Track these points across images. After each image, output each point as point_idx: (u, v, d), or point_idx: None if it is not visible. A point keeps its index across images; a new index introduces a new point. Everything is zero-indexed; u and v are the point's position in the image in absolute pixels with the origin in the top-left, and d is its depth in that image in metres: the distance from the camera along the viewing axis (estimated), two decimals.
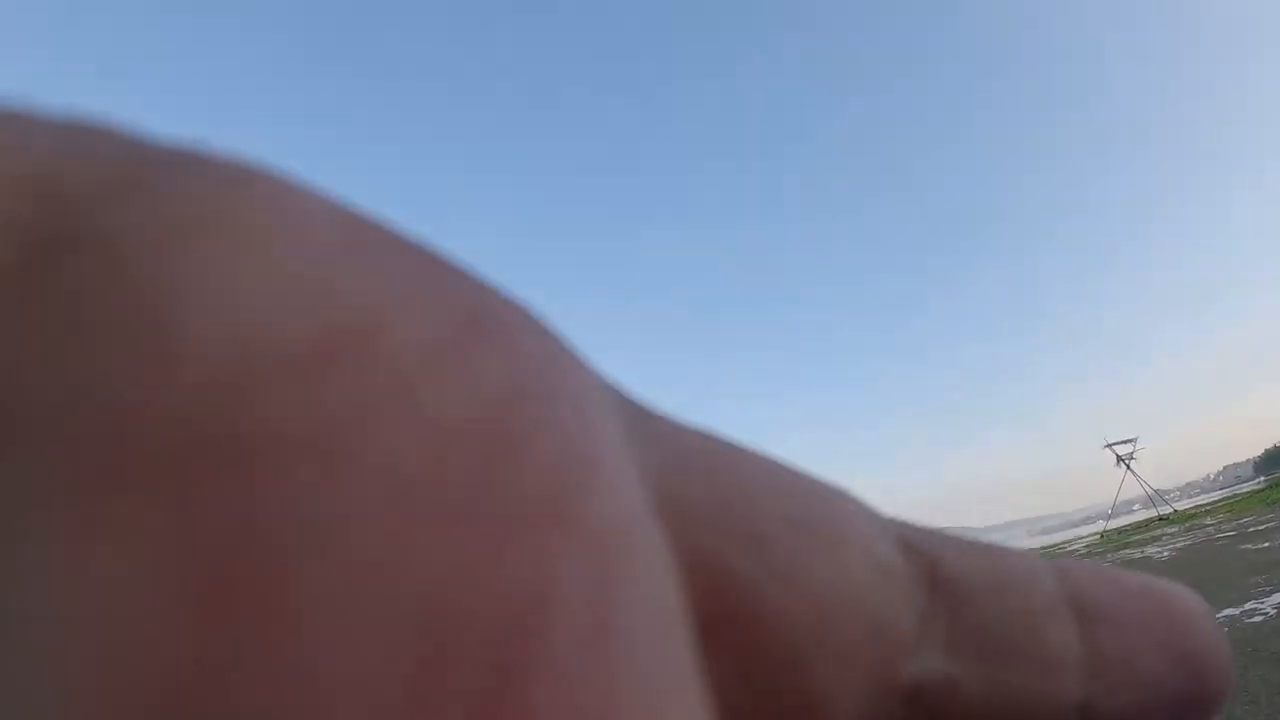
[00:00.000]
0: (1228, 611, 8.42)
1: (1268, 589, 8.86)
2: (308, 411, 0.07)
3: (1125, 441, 46.42)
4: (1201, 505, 43.54)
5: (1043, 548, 45.11)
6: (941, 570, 0.15)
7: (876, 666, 0.13)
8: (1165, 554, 18.19)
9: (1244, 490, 49.14)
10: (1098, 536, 39.31)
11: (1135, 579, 0.16)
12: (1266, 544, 13.37)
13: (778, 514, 0.13)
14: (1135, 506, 71.26)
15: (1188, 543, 19.51)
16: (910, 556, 0.14)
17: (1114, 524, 47.18)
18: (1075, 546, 36.22)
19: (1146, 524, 38.79)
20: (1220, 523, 23.21)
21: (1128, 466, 45.36)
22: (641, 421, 0.12)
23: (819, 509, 0.14)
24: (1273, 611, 7.66)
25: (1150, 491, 45.30)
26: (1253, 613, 7.94)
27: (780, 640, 0.12)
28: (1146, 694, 0.15)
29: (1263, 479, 66.70)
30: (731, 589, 0.12)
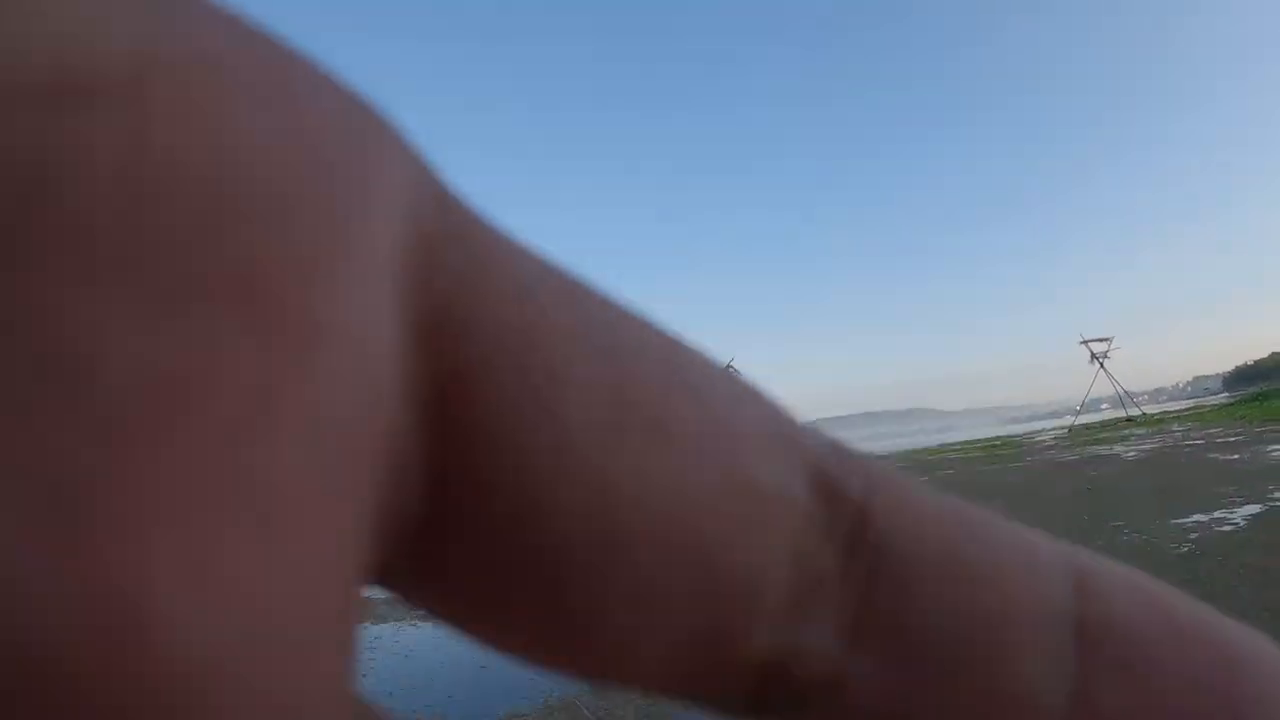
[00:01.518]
0: (1197, 517, 8.54)
1: (1239, 500, 9.00)
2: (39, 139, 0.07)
3: (1101, 340, 46.53)
4: (1170, 411, 44.62)
5: (1009, 437, 46.62)
6: (871, 526, 0.11)
7: (698, 616, 0.10)
8: (1133, 454, 18.57)
9: (1211, 402, 50.21)
10: (1065, 431, 40.21)
11: (1187, 607, 0.12)
12: (1235, 456, 13.59)
13: (591, 352, 0.10)
14: (1104, 406, 72.87)
15: (1156, 446, 19.90)
16: (825, 496, 0.11)
17: (1082, 420, 48.22)
18: (1043, 438, 37.07)
19: (1115, 423, 39.68)
20: (1188, 430, 23.65)
21: (1101, 365, 45.70)
22: (452, 222, 0.10)
23: (680, 375, 0.11)
24: (1243, 523, 7.77)
25: (1121, 392, 45.95)
26: (1223, 521, 8.05)
27: (538, 526, 0.10)
28: None
29: (1228, 394, 68.40)
30: (492, 428, 0.09)
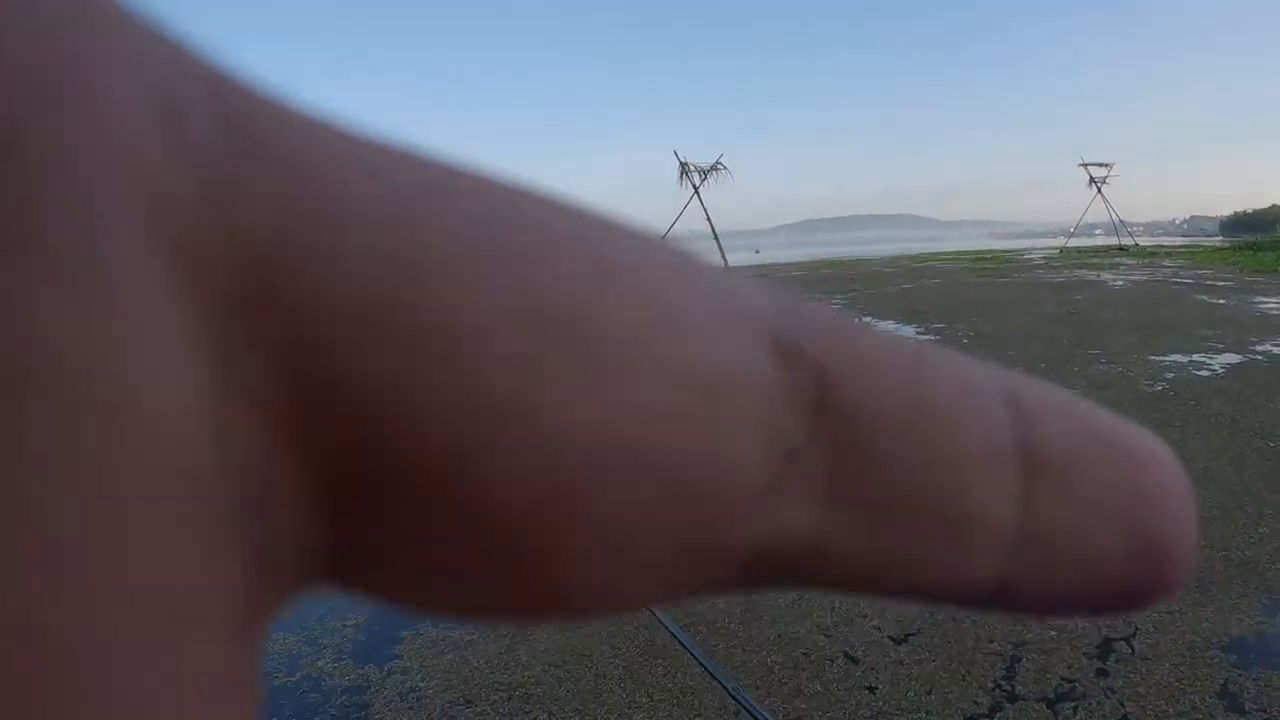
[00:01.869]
0: (1175, 357, 8.42)
1: (1219, 346, 8.85)
2: None
3: (1101, 165, 45.18)
4: (1163, 246, 44.29)
5: (999, 251, 46.38)
6: (832, 385, 0.11)
7: (676, 532, 0.09)
8: (1120, 282, 18.42)
9: (1206, 243, 49.90)
10: (1056, 251, 39.98)
11: (1107, 418, 0.13)
12: (1222, 301, 13.41)
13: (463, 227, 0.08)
14: (1097, 231, 72.36)
15: (1144, 277, 19.75)
16: (786, 363, 0.10)
17: (1074, 243, 47.85)
18: (1033, 256, 36.83)
19: (1106, 250, 39.49)
20: (1179, 267, 23.43)
21: (1099, 190, 44.80)
22: (246, 137, 0.08)
23: (596, 264, 0.09)
24: (1220, 370, 7.63)
25: (1116, 219, 45.34)
26: (1200, 365, 7.93)
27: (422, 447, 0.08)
28: (1084, 578, 0.12)
29: (1223, 238, 68.04)
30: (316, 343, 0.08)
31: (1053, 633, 3.20)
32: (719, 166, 35.74)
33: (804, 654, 3.18)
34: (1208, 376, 7.40)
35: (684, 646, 3.16)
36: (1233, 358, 8.21)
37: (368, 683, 3.35)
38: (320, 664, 3.53)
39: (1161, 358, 8.48)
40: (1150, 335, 10.00)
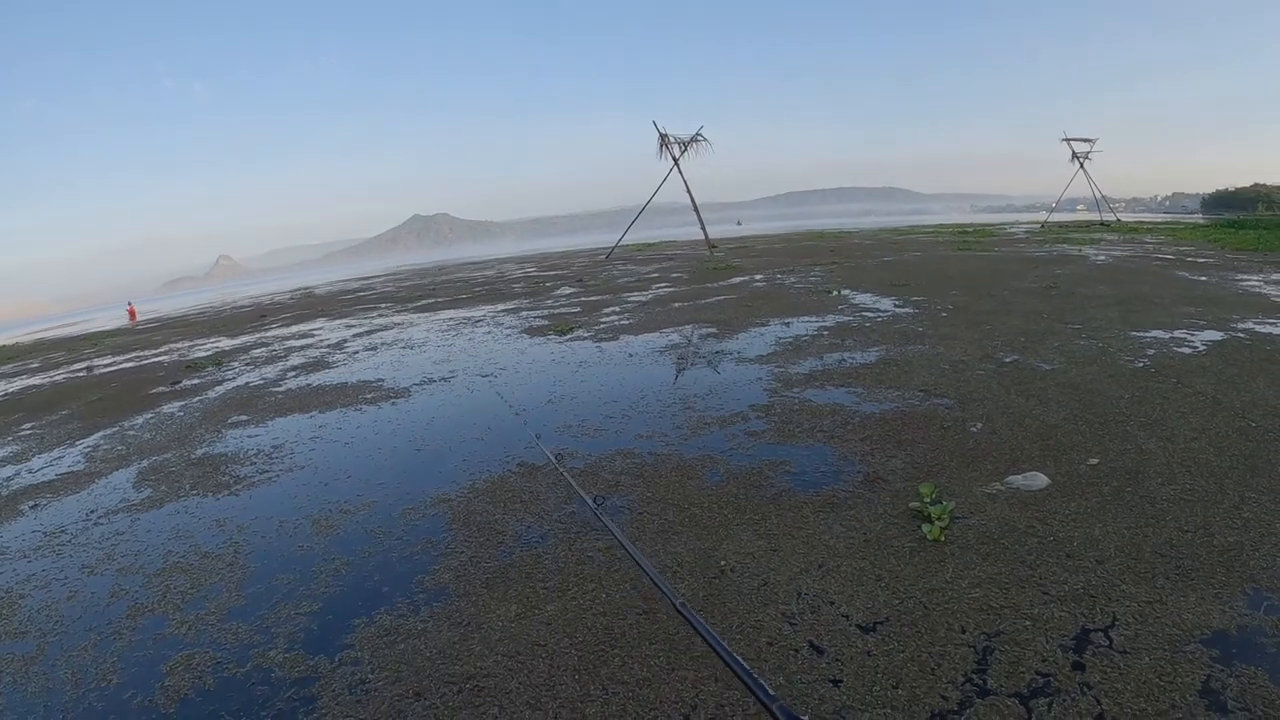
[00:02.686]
0: (1156, 334, 8.39)
1: (1200, 324, 8.84)
2: None
3: (1085, 140, 45.12)
4: (1144, 222, 44.51)
5: (981, 225, 46.33)
6: None
7: None
8: (1102, 258, 18.41)
9: (1187, 220, 50.12)
10: (1039, 226, 40.06)
11: None
12: (1204, 278, 13.40)
13: None
14: (1079, 207, 72.53)
15: (1126, 253, 19.73)
16: None
17: (1055, 218, 47.90)
18: (1015, 230, 36.85)
19: (1088, 225, 39.61)
20: (1160, 244, 23.47)
21: (1081, 165, 44.74)
22: None
23: None
24: (1202, 348, 7.62)
25: (1098, 195, 45.45)
26: (1181, 343, 7.91)
27: None
28: None
29: (1203, 216, 68.43)
30: None
31: (1028, 622, 3.08)
32: (699, 138, 35.50)
33: (767, 643, 3.04)
34: (1189, 354, 7.31)
35: (623, 546, 3.01)
36: (1214, 335, 8.13)
37: (317, 674, 3.20)
38: (271, 654, 3.38)
39: (1142, 334, 8.40)
40: (1131, 311, 9.93)
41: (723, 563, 3.73)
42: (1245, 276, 13.45)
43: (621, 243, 41.06)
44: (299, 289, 42.37)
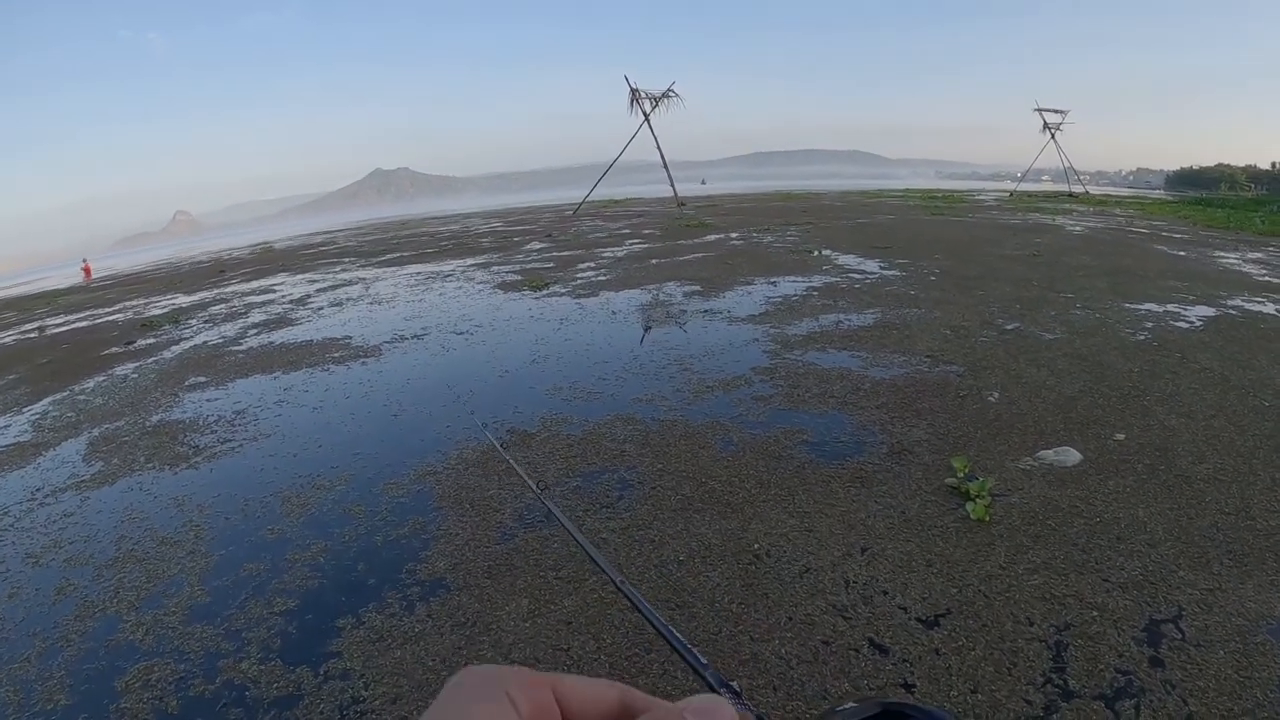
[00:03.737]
0: (1149, 307, 8.23)
1: (1190, 298, 8.71)
2: None
3: (1057, 111, 45.29)
4: (1111, 196, 44.99)
5: (949, 191, 46.38)
6: None
7: None
8: (1078, 228, 18.40)
9: (1152, 196, 50.82)
10: (1007, 194, 40.22)
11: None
12: (1183, 253, 13.40)
13: None
14: (1044, 177, 73.38)
15: (1100, 225, 19.77)
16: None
17: (1022, 187, 48.17)
18: (983, 197, 36.93)
19: (1056, 195, 39.90)
20: (1132, 217, 23.62)
21: (1052, 135, 44.97)
22: None
23: None
24: (1198, 323, 7.47)
25: (1068, 165, 45.71)
26: (1176, 317, 7.73)
27: None
28: None
29: (1166, 192, 69.59)
30: None
31: (1095, 613, 2.81)
32: (670, 94, 34.81)
33: (823, 643, 2.71)
34: (1187, 329, 7.16)
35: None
36: (1206, 311, 8.01)
37: (300, 691, 2.72)
38: (244, 665, 2.89)
39: (1137, 306, 8.25)
40: (1120, 283, 9.80)
41: (755, 546, 3.37)
42: (1223, 254, 13.46)
43: (589, 199, 40.20)
44: (258, 244, 40.75)
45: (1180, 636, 2.69)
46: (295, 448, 5.23)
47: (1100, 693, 2.42)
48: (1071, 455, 4.18)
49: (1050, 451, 4.23)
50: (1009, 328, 7.26)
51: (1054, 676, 2.50)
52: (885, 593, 2.96)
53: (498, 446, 2.42)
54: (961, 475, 3.82)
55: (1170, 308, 8.17)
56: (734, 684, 0.86)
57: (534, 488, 2.89)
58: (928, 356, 6.30)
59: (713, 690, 0.88)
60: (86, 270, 36.81)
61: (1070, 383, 5.47)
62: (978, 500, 3.56)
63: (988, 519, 3.48)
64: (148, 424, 6.26)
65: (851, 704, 0.64)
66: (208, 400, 6.80)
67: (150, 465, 5.24)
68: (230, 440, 5.56)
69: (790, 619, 2.84)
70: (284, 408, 6.25)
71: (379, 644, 2.93)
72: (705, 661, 0.97)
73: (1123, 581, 3.01)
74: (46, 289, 29.97)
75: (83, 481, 5.08)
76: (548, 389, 6.04)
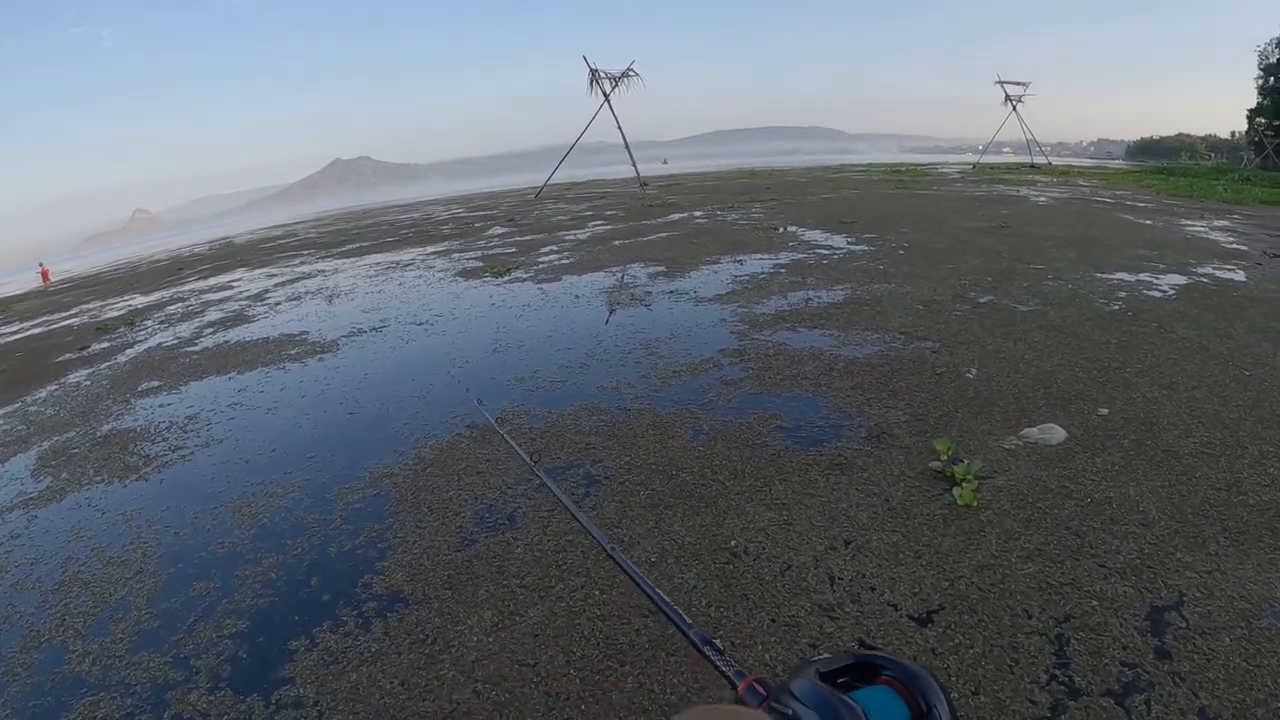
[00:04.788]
0: (1121, 276, 8.18)
1: (1160, 267, 8.71)
2: None
3: (1018, 84, 45.64)
4: (1074, 166, 45.45)
5: (914, 164, 46.51)
6: None
7: None
8: (1043, 199, 18.41)
9: (1113, 166, 51.39)
10: (970, 167, 40.36)
11: None
12: (1149, 222, 13.44)
13: None
14: (1005, 149, 73.76)
15: (1064, 195, 19.85)
16: None
17: (985, 159, 48.44)
18: (947, 170, 37.02)
19: (1018, 167, 40.14)
20: (1095, 187, 23.77)
21: (1014, 108, 45.27)
22: None
23: None
24: (1171, 292, 7.45)
25: (1030, 136, 46.04)
26: (1149, 286, 7.72)
27: None
28: None
29: (1126, 162, 70.52)
30: None
31: (1094, 602, 2.66)
32: (630, 73, 34.43)
33: (810, 646, 2.52)
34: (1160, 298, 7.09)
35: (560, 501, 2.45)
36: (1178, 279, 7.96)
37: None
38: (192, 697, 2.65)
39: (1108, 276, 8.18)
40: (1089, 252, 9.75)
41: (733, 543, 3.17)
42: (1187, 221, 13.52)
43: (550, 181, 39.66)
44: (218, 239, 39.69)
45: (1184, 625, 2.55)
46: (248, 453, 4.95)
47: (1108, 689, 2.27)
48: (1056, 433, 4.04)
49: (1034, 429, 4.09)
50: (982, 301, 7.14)
51: (1058, 673, 2.34)
52: (873, 589, 2.78)
53: (493, 422, 2.20)
54: (945, 458, 3.65)
55: (1142, 277, 8.11)
56: (716, 641, 0.87)
57: (527, 459, 2.67)
58: (901, 333, 6.15)
59: (696, 648, 0.91)
60: (44, 274, 35.85)
61: (1048, 356, 5.35)
62: (964, 484, 3.40)
63: (975, 504, 3.32)
64: (98, 434, 5.92)
65: (826, 655, 0.65)
66: (160, 406, 6.46)
67: (99, 479, 4.93)
68: (181, 448, 5.26)
69: (774, 621, 2.65)
70: (237, 410, 5.94)
71: (333, 667, 2.70)
72: (689, 621, 0.97)
73: (1120, 566, 2.87)
74: (3, 295, 28.97)
75: (30, 500, 4.76)
76: (509, 379, 5.79)
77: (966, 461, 3.56)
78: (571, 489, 3.82)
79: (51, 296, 22.00)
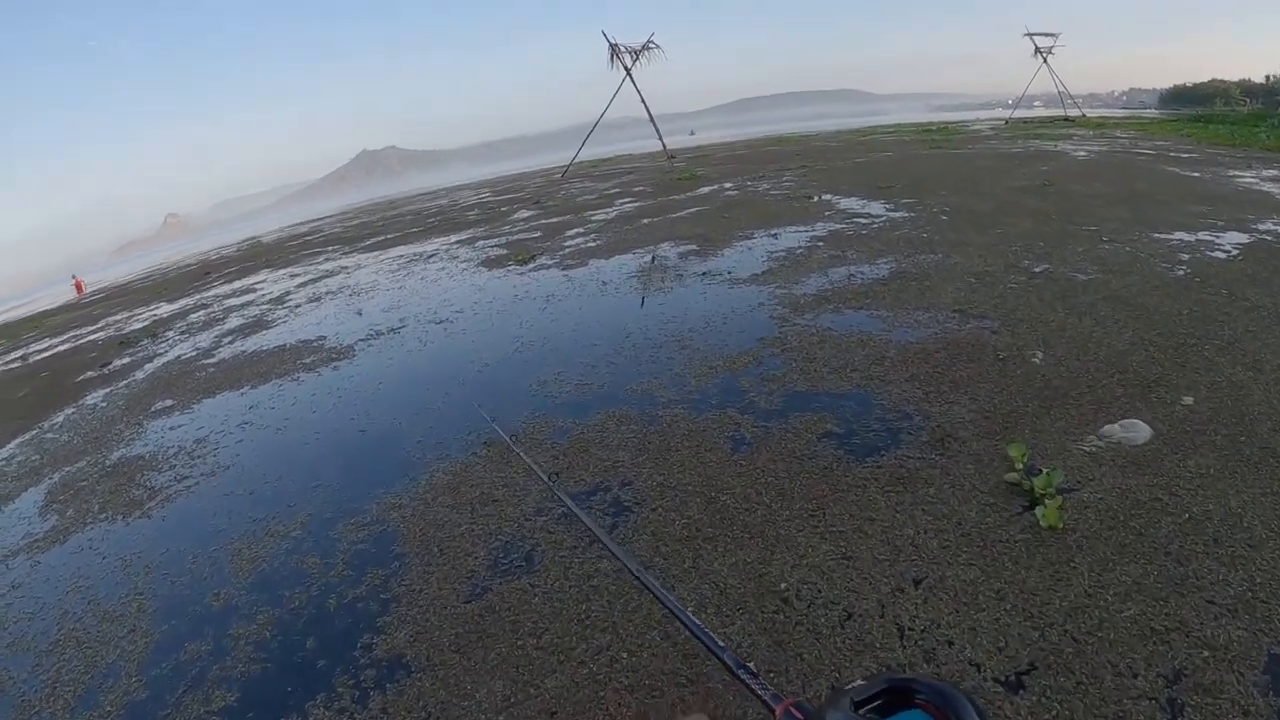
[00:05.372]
0: (1180, 236, 7.55)
1: (1219, 224, 8.05)
2: None
3: (1047, 35, 43.92)
4: (1108, 118, 43.68)
5: (945, 122, 45.06)
6: None
7: None
8: (1082, 153, 17.50)
9: (1146, 115, 49.40)
10: (1003, 123, 38.97)
11: None
12: (1196, 174, 12.62)
13: None
14: (1036, 103, 71.39)
15: (1104, 148, 18.86)
16: None
17: (1017, 114, 46.89)
18: (979, 127, 35.70)
19: (1052, 121, 38.66)
20: (1134, 139, 22.65)
21: (1044, 60, 43.69)
22: None
23: None
24: (1234, 251, 6.84)
25: (1062, 88, 44.36)
26: (1210, 246, 7.08)
27: None
28: None
29: (1160, 111, 67.90)
30: None
31: (1206, 652, 2.21)
32: (651, 45, 33.74)
33: None
34: (1225, 259, 6.47)
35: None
36: (1239, 237, 7.30)
37: None
38: None
39: (1166, 236, 7.54)
40: (1141, 211, 9.06)
41: (783, 585, 2.74)
42: (1237, 173, 12.67)
43: (576, 160, 39.17)
44: (247, 240, 39.92)
45: None
46: (253, 482, 4.64)
47: None
48: (1140, 430, 3.55)
49: (1116, 426, 3.61)
50: (1037, 270, 6.58)
51: None
52: (951, 643, 2.35)
53: (508, 440, 1.82)
54: (1021, 467, 3.19)
55: (1202, 236, 7.45)
56: (750, 665, 0.87)
57: (544, 477, 2.32)
58: (955, 311, 5.64)
59: (730, 672, 0.90)
60: (78, 286, 36.32)
61: (1118, 333, 4.82)
62: (1046, 502, 2.94)
63: (1061, 526, 2.86)
64: (108, 463, 5.70)
65: (859, 681, 0.67)
66: (170, 429, 6.21)
67: (104, 515, 4.69)
68: (187, 477, 4.99)
69: (835, 690, 2.24)
70: (246, 431, 5.65)
71: None
72: (723, 645, 0.94)
73: (1230, 602, 2.40)
74: (38, 310, 29.36)
75: (36, 541, 4.56)
76: (531, 384, 5.40)
77: (1046, 471, 3.08)
78: (598, 518, 3.43)
79: (82, 309, 22.18)
